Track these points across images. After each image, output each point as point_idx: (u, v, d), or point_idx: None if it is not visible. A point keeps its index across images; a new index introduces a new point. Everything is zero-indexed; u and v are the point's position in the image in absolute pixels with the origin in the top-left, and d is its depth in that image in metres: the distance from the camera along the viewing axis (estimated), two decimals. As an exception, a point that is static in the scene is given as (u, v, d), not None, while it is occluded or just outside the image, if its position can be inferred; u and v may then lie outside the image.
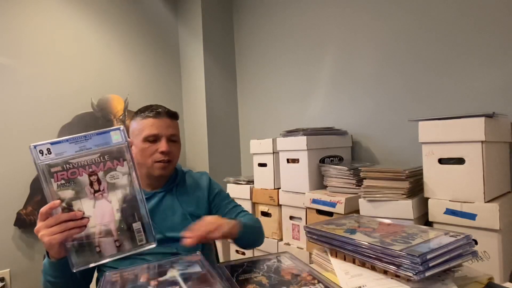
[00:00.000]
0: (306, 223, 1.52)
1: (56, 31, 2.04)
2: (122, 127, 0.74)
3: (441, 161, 1.15)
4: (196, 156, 2.52)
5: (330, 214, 1.40)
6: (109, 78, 2.26)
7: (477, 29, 1.37)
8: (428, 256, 0.62)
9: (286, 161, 1.63)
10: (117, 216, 0.73)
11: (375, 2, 1.70)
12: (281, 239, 1.68)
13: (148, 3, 2.47)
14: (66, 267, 0.72)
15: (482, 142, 1.05)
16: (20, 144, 1.88)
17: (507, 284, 0.72)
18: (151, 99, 2.41)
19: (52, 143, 0.68)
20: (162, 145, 1.00)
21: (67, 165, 0.69)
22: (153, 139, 1.00)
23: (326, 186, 1.54)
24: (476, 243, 1.05)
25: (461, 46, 1.42)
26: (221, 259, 1.75)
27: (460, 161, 1.11)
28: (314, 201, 1.45)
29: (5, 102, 1.86)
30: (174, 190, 1.08)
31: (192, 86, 2.53)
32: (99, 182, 0.72)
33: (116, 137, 0.73)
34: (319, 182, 1.57)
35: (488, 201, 1.06)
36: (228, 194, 1.20)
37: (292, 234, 1.61)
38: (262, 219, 1.74)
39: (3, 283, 1.81)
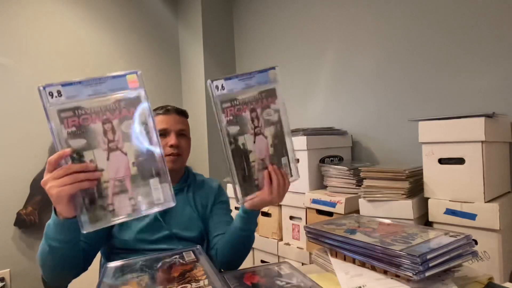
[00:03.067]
0: (306, 223, 1.52)
1: (56, 31, 2.04)
2: (139, 71, 0.66)
3: (441, 161, 1.15)
4: (196, 156, 2.51)
5: (330, 214, 1.40)
6: (109, 78, 2.25)
7: (477, 29, 1.37)
8: (428, 256, 0.62)
9: (286, 161, 1.63)
10: (133, 170, 0.65)
11: (375, 1, 1.70)
12: (281, 239, 1.68)
13: (148, 3, 2.47)
14: (72, 231, 0.68)
15: (482, 142, 1.05)
16: (20, 144, 1.88)
17: (507, 284, 0.72)
18: (151, 99, 2.39)
19: (63, 85, 0.61)
20: (171, 139, 1.02)
21: (79, 111, 0.61)
22: (162, 133, 1.02)
23: (326, 186, 1.54)
24: (476, 243, 1.05)
25: (462, 46, 1.42)
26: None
27: (460, 161, 1.11)
28: (314, 201, 1.45)
29: (5, 102, 1.86)
30: (185, 190, 1.09)
31: (192, 86, 2.53)
32: (113, 131, 0.64)
33: (132, 81, 0.65)
34: (319, 182, 1.57)
35: (488, 201, 1.06)
36: (230, 209, 1.17)
37: (292, 234, 1.61)
38: (262, 219, 1.74)
39: (3, 283, 1.81)
